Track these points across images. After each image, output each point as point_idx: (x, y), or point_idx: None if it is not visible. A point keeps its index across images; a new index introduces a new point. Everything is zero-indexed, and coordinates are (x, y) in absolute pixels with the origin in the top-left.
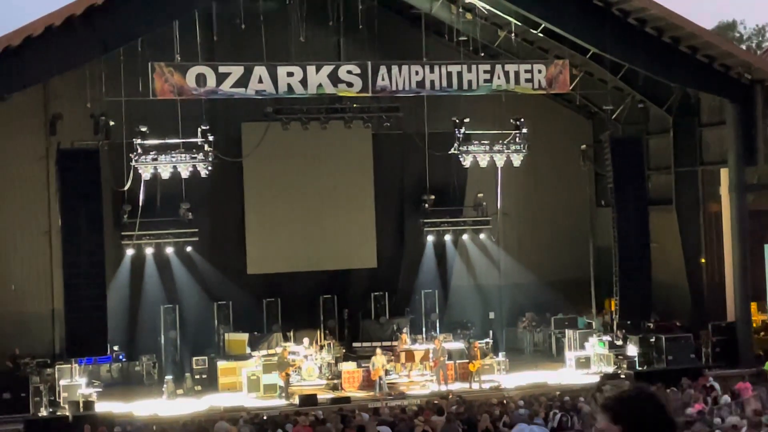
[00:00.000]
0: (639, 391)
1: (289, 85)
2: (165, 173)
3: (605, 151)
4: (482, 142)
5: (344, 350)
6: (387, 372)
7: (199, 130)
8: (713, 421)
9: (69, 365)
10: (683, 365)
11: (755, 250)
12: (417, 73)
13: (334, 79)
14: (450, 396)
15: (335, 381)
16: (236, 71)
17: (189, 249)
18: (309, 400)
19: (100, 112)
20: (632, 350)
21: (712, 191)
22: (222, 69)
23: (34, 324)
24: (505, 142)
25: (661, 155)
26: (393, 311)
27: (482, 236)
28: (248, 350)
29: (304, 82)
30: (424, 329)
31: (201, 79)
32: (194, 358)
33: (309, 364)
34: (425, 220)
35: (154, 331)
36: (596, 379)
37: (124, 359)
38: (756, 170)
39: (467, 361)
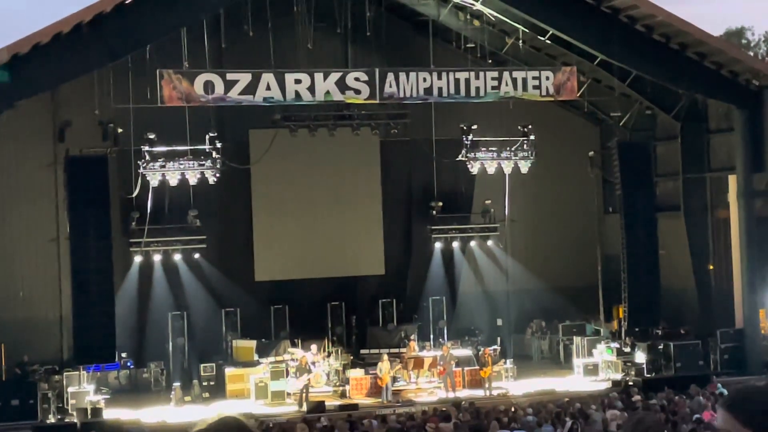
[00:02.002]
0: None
1: (296, 92)
2: (173, 180)
3: (613, 157)
4: (490, 148)
5: (352, 357)
6: (395, 379)
7: (207, 137)
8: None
9: (77, 372)
10: (692, 372)
11: (763, 256)
12: (425, 79)
13: (341, 86)
14: (463, 403)
15: (343, 388)
16: (244, 78)
17: (197, 256)
18: (317, 407)
19: (108, 119)
20: (640, 357)
21: (721, 198)
22: (230, 76)
23: (43, 331)
24: (512, 148)
25: (669, 162)
26: (401, 318)
27: (490, 243)
28: (256, 357)
29: (311, 89)
30: (431, 336)
31: (209, 86)
32: (202, 365)
33: (317, 371)
34: (433, 227)
35: (162, 338)
36: (604, 386)
37: (132, 366)
38: (764, 176)
39: (478, 368)
